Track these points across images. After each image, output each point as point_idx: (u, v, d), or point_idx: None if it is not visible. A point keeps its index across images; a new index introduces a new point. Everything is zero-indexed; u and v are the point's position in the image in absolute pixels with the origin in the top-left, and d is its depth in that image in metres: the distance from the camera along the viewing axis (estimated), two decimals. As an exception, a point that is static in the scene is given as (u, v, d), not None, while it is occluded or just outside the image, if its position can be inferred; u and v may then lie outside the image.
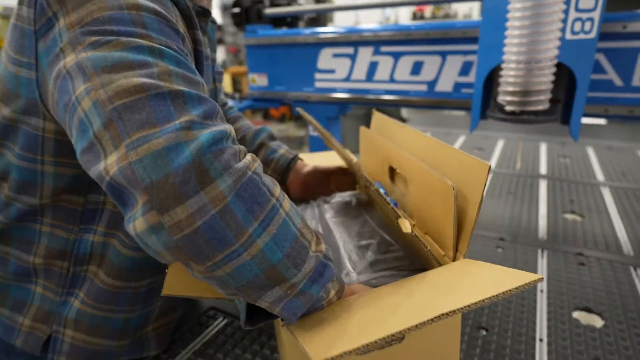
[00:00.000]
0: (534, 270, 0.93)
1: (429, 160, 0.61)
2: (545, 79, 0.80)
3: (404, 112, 4.39)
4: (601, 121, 2.62)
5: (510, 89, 0.82)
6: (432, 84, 1.32)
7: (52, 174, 0.58)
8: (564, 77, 0.94)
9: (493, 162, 1.65)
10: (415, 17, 5.04)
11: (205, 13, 0.66)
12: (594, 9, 0.82)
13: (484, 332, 0.75)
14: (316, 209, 0.81)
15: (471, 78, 1.25)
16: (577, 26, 0.82)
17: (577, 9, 0.81)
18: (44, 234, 0.61)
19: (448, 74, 1.28)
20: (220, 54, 6.06)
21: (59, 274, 0.63)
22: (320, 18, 2.61)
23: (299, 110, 0.89)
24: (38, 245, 0.62)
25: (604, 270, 0.92)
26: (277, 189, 0.45)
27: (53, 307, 0.63)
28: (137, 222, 0.39)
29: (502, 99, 0.84)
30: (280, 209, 0.42)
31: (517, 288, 0.43)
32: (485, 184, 0.51)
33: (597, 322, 0.77)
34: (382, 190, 0.77)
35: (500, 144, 1.89)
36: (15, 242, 0.63)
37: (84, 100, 0.42)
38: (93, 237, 0.62)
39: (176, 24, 0.49)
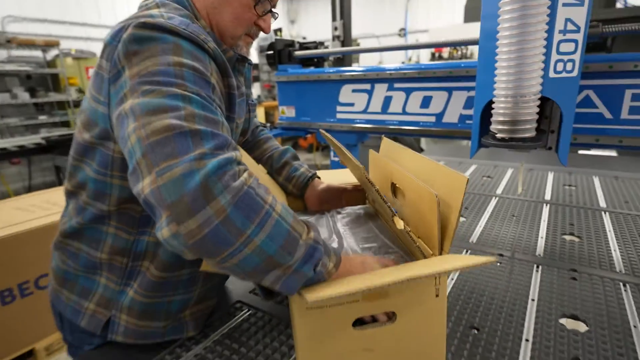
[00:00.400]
0: (528, 283, 0.97)
1: (420, 175, 0.70)
2: (530, 110, 0.88)
3: (423, 143, 4.46)
4: (612, 152, 2.61)
5: (501, 119, 0.90)
6: (439, 115, 1.42)
7: (118, 186, 0.71)
8: (556, 110, 1.01)
9: (500, 189, 1.70)
10: (434, 57, 5.19)
11: (244, 59, 0.80)
12: (574, 52, 0.90)
13: (475, 331, 0.80)
14: (330, 219, 0.90)
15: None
16: (560, 66, 0.91)
17: (559, 52, 0.89)
18: (109, 234, 0.74)
19: (454, 107, 1.37)
20: (256, 90, 6.39)
21: (119, 268, 0.75)
22: (345, 58, 2.79)
23: (322, 132, 1.00)
24: (104, 244, 0.74)
25: (594, 285, 0.95)
26: (270, 197, 0.55)
27: (113, 295, 0.75)
28: (163, 231, 0.51)
29: (494, 127, 0.93)
30: (273, 212, 0.53)
31: (476, 264, 0.51)
32: (464, 193, 0.60)
33: (582, 327, 0.81)
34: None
35: (508, 173, 1.93)
36: (86, 240, 0.76)
37: (131, 136, 0.55)
38: (148, 238, 0.74)
39: (209, 77, 0.62)
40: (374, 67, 1.53)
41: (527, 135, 0.89)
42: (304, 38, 8.98)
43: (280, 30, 7.30)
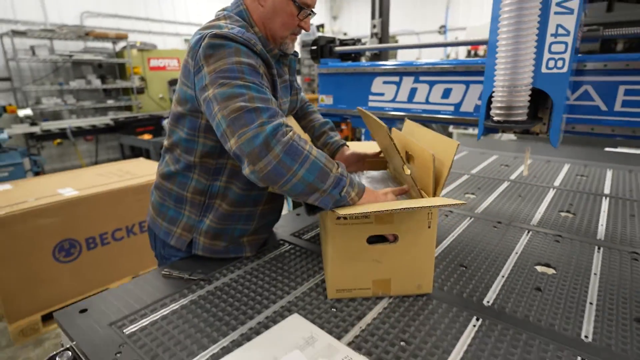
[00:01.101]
0: (515, 242, 1.16)
1: (426, 144, 0.91)
2: (522, 98, 1.07)
3: (455, 136, 4.56)
4: (638, 151, 2.64)
5: (498, 105, 1.10)
6: (458, 105, 1.61)
7: (202, 143, 0.99)
8: (550, 102, 1.19)
9: (514, 175, 1.86)
10: (469, 54, 5.24)
11: (286, 55, 1.06)
12: (564, 52, 1.08)
13: (463, 268, 1.02)
14: (355, 177, 1.15)
15: (488, 102, 1.52)
16: (551, 63, 1.09)
17: (550, 52, 1.08)
18: (193, 179, 1.02)
19: (470, 98, 1.56)
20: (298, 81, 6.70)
21: (199, 204, 1.03)
22: (382, 54, 3.00)
23: (358, 108, 1.23)
24: (189, 186, 1.03)
25: (573, 246, 1.13)
26: (308, 146, 0.81)
27: (195, 223, 1.04)
28: (246, 170, 0.79)
29: (493, 112, 1.13)
30: (310, 155, 0.79)
31: (452, 203, 0.73)
32: (454, 153, 0.81)
33: (550, 271, 1.00)
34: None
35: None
36: (177, 183, 1.05)
37: (217, 115, 0.82)
38: (219, 183, 1.02)
39: (258, 69, 0.88)
40: (403, 62, 1.74)
41: (519, 119, 1.09)
42: (345, 34, 9.16)
43: (322, 25, 7.53)
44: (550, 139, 1.17)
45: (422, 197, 0.86)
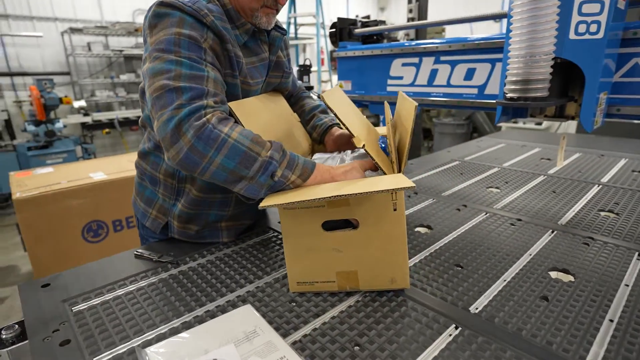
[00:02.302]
0: (531, 242, 0.99)
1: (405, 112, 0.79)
2: (541, 70, 0.90)
3: (504, 129, 4.20)
4: None
5: (512, 79, 0.94)
6: (482, 87, 1.43)
7: None
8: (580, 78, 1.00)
9: (553, 170, 1.63)
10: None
11: (262, 31, 0.97)
12: (599, 13, 0.89)
13: (459, 268, 0.88)
14: (342, 155, 1.04)
15: (516, 82, 1.32)
16: (582, 28, 0.90)
17: (580, 14, 0.89)
18: (164, 160, 0.98)
19: (496, 78, 1.38)
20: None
21: (170, 187, 0.99)
22: (420, 35, 2.83)
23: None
24: (161, 167, 0.99)
25: (604, 250, 0.94)
26: (226, 128, 0.73)
27: (168, 206, 1.00)
28: (165, 156, 0.74)
29: (506, 88, 0.96)
30: (228, 139, 0.71)
31: (402, 188, 0.62)
32: (413, 115, 0.71)
33: (567, 278, 0.83)
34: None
35: (574, 156, 1.82)
36: (150, 162, 1.01)
37: (147, 90, 0.77)
38: None
39: (201, 43, 0.80)
40: (423, 42, 1.58)
41: (537, 94, 0.92)
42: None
43: (368, 17, 7.34)
44: (582, 122, 0.98)
45: (394, 172, 0.75)
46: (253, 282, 0.84)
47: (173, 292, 0.81)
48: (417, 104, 0.69)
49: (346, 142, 1.07)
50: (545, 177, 1.53)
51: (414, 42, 1.61)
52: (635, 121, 1.11)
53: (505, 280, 0.82)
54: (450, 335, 0.66)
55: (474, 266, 0.88)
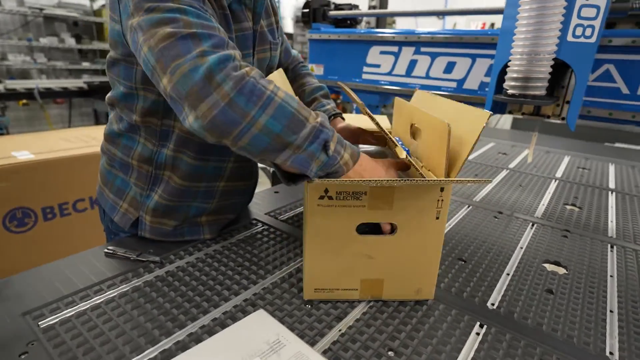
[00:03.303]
0: (520, 236, 1.03)
1: (440, 114, 0.74)
2: (543, 69, 0.92)
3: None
4: (636, 147, 2.56)
5: (514, 75, 0.95)
6: (461, 82, 1.45)
7: (142, 97, 0.79)
8: (568, 79, 1.04)
9: (513, 164, 1.73)
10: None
11: None
12: (595, 18, 0.93)
13: (462, 262, 0.88)
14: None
15: (495, 78, 1.36)
16: (579, 31, 0.93)
17: (579, 17, 0.92)
18: (139, 143, 0.84)
19: (475, 74, 1.41)
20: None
21: (146, 175, 0.85)
22: (380, 23, 2.81)
23: (340, 84, 1.06)
24: (134, 151, 0.84)
25: (584, 243, 1.00)
26: (272, 85, 0.60)
27: (141, 198, 0.86)
28: (187, 119, 0.59)
29: (507, 84, 0.97)
30: (275, 97, 0.59)
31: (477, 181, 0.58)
32: (483, 126, 0.61)
33: (561, 271, 0.87)
34: (399, 142, 0.92)
35: (525, 152, 1.95)
36: (121, 147, 0.86)
37: (143, 46, 0.61)
38: (167, 151, 0.82)
39: None
40: (404, 30, 1.56)
41: (537, 93, 0.94)
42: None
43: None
44: (568, 121, 1.03)
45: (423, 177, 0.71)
46: (257, 283, 0.76)
47: (165, 297, 0.70)
48: (490, 112, 0.61)
49: (350, 136, 1.00)
50: (508, 171, 1.62)
51: (394, 31, 1.59)
52: (603, 123, 1.20)
53: (508, 275, 0.84)
54: (477, 334, 0.65)
55: (476, 261, 0.89)
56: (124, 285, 0.73)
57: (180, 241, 0.90)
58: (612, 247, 1.00)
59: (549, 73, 0.94)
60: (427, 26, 7.57)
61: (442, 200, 0.65)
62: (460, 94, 1.45)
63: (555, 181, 1.52)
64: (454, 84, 1.47)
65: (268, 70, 0.95)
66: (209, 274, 0.78)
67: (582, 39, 0.94)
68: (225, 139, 0.59)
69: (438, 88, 1.51)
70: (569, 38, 0.94)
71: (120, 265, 0.79)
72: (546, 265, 0.89)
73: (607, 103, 1.17)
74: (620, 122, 1.16)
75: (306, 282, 0.70)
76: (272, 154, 0.60)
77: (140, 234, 0.88)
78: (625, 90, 1.14)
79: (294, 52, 1.13)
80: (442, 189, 0.64)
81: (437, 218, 0.66)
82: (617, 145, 2.47)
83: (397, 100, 1.00)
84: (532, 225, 1.10)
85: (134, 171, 0.86)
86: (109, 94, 0.86)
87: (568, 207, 1.27)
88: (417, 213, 0.66)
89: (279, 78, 0.87)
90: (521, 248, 0.97)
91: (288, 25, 6.92)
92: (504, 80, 1.12)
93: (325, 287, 0.70)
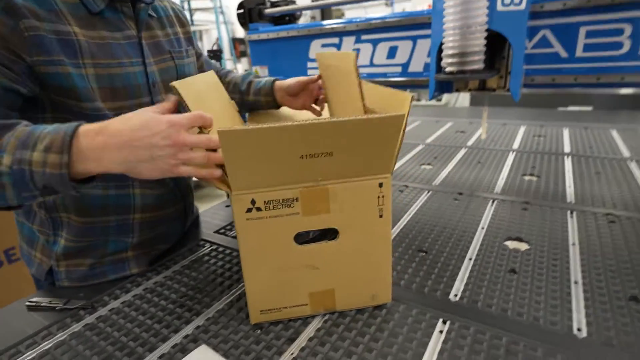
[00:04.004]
0: (481, 215, 1.00)
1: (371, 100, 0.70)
2: (477, 42, 0.88)
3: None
4: (588, 107, 2.63)
5: (450, 52, 0.91)
6: (405, 65, 1.41)
7: None
8: (508, 50, 1.02)
9: (470, 142, 1.71)
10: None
11: (123, 1, 0.71)
12: (521, -16, 0.90)
13: (423, 254, 0.84)
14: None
15: (438, 58, 1.34)
16: (507, -1, 0.91)
17: (506, -16, 0.89)
18: None
19: (418, 56, 1.37)
20: (243, 65, 6.27)
21: (45, 220, 0.75)
22: (325, 16, 2.77)
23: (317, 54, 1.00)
24: None
25: (543, 213, 0.98)
26: None
27: (49, 245, 0.77)
28: None
29: (444, 62, 0.94)
30: None
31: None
32: (408, 108, 0.57)
33: (523, 247, 0.84)
34: None
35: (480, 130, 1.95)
36: None
37: None
38: None
39: None
40: (342, 21, 1.51)
41: (475, 67, 0.90)
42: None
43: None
44: (511, 91, 1.01)
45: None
46: (201, 313, 0.68)
47: (94, 348, 0.61)
48: (412, 94, 0.57)
49: (300, 89, 0.92)
50: (467, 149, 1.60)
51: (332, 22, 1.54)
52: (547, 89, 1.19)
53: (470, 259, 0.80)
54: (440, 332, 0.60)
55: (437, 249, 0.85)
56: (46, 343, 0.64)
57: (105, 282, 0.79)
58: (571, 213, 0.98)
59: (485, 45, 0.91)
60: (378, 11, 7.60)
61: (383, 196, 0.60)
62: (407, 78, 1.42)
63: (512, 153, 1.51)
64: (399, 69, 1.43)
65: (180, 75, 0.85)
66: (147, 312, 0.69)
67: (511, 7, 0.92)
68: None
69: (384, 75, 1.47)
70: (499, 7, 0.91)
71: (45, 318, 0.70)
72: (508, 242, 0.86)
73: (548, 69, 1.16)
74: (565, 86, 1.15)
75: (251, 305, 0.63)
76: None
77: (58, 284, 0.78)
78: (563, 54, 1.13)
79: (213, 62, 1.07)
80: (380, 184, 0.59)
81: (381, 216, 0.61)
82: (571, 108, 2.53)
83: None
84: (493, 202, 1.08)
85: (36, 217, 0.76)
86: None
87: (527, 177, 1.25)
88: (358, 213, 0.60)
89: (209, 78, 0.80)
90: (482, 228, 0.93)
91: (238, 30, 6.79)
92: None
93: (271, 307, 0.64)
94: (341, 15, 5.24)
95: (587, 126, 1.86)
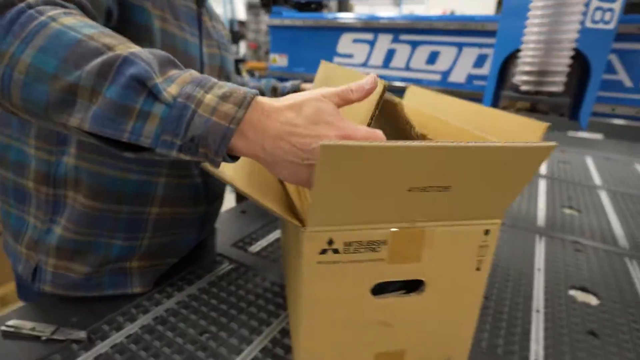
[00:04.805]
0: (532, 252, 0.90)
1: (472, 124, 0.57)
2: (562, 60, 0.77)
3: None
4: (599, 136, 2.60)
5: (528, 68, 0.80)
6: (446, 74, 1.30)
7: None
8: (576, 73, 0.92)
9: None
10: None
11: None
12: (614, 0, 0.79)
13: (484, 299, 0.72)
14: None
15: (484, 70, 1.23)
16: (598, 15, 0.80)
17: (600, -2, 0.78)
18: (32, 156, 0.59)
19: (462, 65, 1.26)
20: (241, 49, 6.04)
21: (44, 201, 0.61)
22: (342, 8, 2.63)
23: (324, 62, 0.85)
24: (29, 168, 0.60)
25: (599, 258, 0.89)
26: (55, 11, 0.39)
27: (40, 235, 0.62)
28: None
29: (518, 79, 0.82)
30: (51, 23, 0.38)
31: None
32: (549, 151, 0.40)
33: (593, 300, 0.74)
34: None
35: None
36: (12, 164, 0.61)
37: None
38: (67, 159, 0.58)
39: None
40: (379, 16, 1.38)
41: (554, 88, 0.79)
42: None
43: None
44: (581, 119, 0.91)
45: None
46: (239, 356, 0.55)
47: (93, 406, 0.47)
48: (547, 124, 0.45)
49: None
50: (493, 169, 1.51)
51: (368, 16, 1.40)
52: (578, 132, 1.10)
53: (538, 312, 0.70)
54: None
55: (497, 294, 0.74)
56: (28, 391, 0.49)
57: (96, 297, 0.64)
58: (630, 260, 0.89)
59: (568, 65, 0.80)
60: (384, 10, 7.49)
61: (487, 246, 0.48)
62: (446, 88, 1.30)
63: (542, 179, 1.42)
64: (438, 77, 1.31)
65: (225, 77, 0.75)
66: (160, 354, 0.55)
67: (600, 25, 0.81)
68: None
69: (419, 81, 1.35)
70: (588, 24, 0.81)
71: (24, 351, 0.55)
72: (573, 293, 0.76)
73: (609, 97, 1.07)
74: (625, 117, 1.06)
75: (301, 364, 0.50)
76: (64, 112, 0.38)
77: (38, 287, 0.63)
78: (628, 83, 1.04)
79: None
80: (486, 232, 0.47)
81: (478, 269, 0.49)
82: (580, 134, 2.48)
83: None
84: (540, 237, 0.98)
85: (32, 198, 0.61)
86: None
87: (566, 210, 1.16)
88: (452, 264, 0.48)
89: None
90: (539, 270, 0.83)
91: (240, 11, 6.52)
92: (504, 74, 0.97)
93: (328, 368, 0.51)
94: (350, 9, 5.08)
95: (609, 157, 1.80)
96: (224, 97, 0.38)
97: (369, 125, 0.43)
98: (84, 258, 0.62)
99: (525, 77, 0.81)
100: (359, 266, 0.45)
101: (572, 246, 0.94)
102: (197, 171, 0.68)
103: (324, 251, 0.43)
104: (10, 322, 0.58)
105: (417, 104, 0.72)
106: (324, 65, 0.70)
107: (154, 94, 0.37)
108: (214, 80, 0.40)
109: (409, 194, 0.40)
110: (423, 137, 0.60)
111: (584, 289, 0.77)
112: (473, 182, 0.41)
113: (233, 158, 0.41)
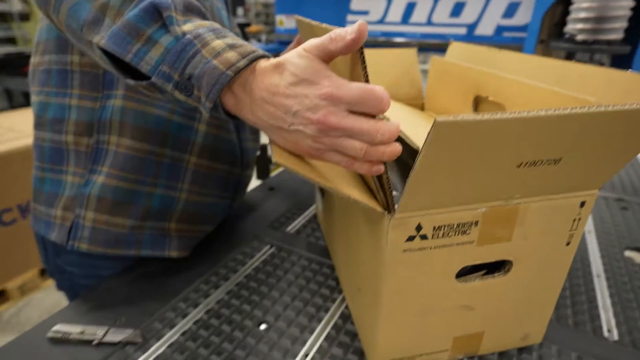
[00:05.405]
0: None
1: (548, 82, 0.50)
2: (624, 3, 0.70)
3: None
4: None
5: (583, 15, 0.72)
6: (472, 26, 1.21)
7: None
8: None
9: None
10: None
11: None
12: None
13: (539, 267, 0.70)
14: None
15: (515, 20, 1.14)
16: (662, -51, 0.71)
17: None
18: (72, 107, 0.58)
19: (491, 16, 1.17)
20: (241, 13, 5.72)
21: (85, 153, 0.59)
22: None
23: (298, 18, 0.77)
24: (68, 122, 0.58)
25: (648, 215, 0.86)
26: None
27: (78, 190, 0.59)
28: None
29: (572, 27, 0.75)
30: None
31: None
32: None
33: (651, 260, 0.72)
34: None
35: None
36: (50, 122, 0.60)
37: None
38: (116, 101, 0.57)
39: None
40: (396, -35, 1.26)
41: (613, 36, 0.72)
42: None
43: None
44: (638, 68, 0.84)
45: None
46: (303, 347, 0.52)
47: (164, 412, 0.45)
48: None
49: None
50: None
51: (383, -34, 1.28)
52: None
53: (599, 277, 0.67)
54: (621, 389, 0.47)
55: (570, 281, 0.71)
56: (92, 401, 0.46)
57: (134, 257, 0.66)
58: (679, 216, 0.86)
59: (631, 9, 0.72)
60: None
61: (580, 219, 0.43)
62: (471, 42, 1.22)
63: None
64: (463, 30, 1.22)
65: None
66: (222, 350, 0.52)
67: (663, -39, 0.73)
68: (47, 12, 0.45)
69: (442, 36, 1.26)
70: (651, -41, 0.72)
71: (75, 356, 0.52)
72: (628, 253, 0.74)
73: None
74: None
75: (380, 354, 0.47)
76: (93, 30, 0.41)
77: (71, 245, 0.60)
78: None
79: None
80: (582, 204, 0.42)
81: (568, 244, 0.45)
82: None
83: (435, 59, 0.75)
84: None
85: (70, 156, 0.60)
86: (35, 54, 0.61)
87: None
88: (543, 241, 0.44)
89: None
90: (589, 232, 0.80)
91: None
92: (549, 22, 0.89)
93: (403, 355, 0.48)
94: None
95: None
96: (232, 46, 0.38)
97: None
98: (125, 210, 0.60)
99: (580, 26, 0.73)
100: (447, 251, 0.41)
101: (616, 204, 0.91)
102: (233, 126, 0.68)
103: (410, 238, 0.39)
104: (57, 327, 0.55)
105: (471, 63, 0.65)
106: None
107: (166, 25, 0.38)
108: (233, 34, 0.40)
109: (518, 170, 0.35)
110: (500, 106, 0.55)
111: (638, 249, 0.75)
112: (586, 152, 0.36)
113: (232, 117, 0.41)
